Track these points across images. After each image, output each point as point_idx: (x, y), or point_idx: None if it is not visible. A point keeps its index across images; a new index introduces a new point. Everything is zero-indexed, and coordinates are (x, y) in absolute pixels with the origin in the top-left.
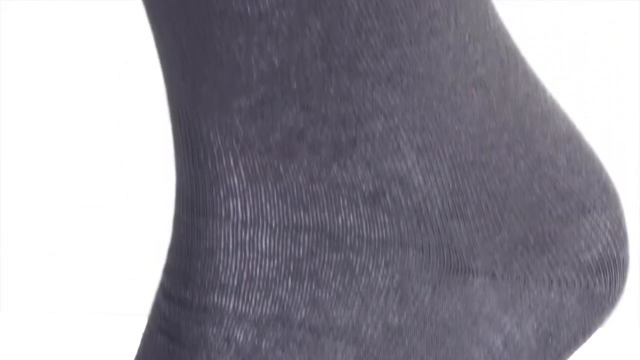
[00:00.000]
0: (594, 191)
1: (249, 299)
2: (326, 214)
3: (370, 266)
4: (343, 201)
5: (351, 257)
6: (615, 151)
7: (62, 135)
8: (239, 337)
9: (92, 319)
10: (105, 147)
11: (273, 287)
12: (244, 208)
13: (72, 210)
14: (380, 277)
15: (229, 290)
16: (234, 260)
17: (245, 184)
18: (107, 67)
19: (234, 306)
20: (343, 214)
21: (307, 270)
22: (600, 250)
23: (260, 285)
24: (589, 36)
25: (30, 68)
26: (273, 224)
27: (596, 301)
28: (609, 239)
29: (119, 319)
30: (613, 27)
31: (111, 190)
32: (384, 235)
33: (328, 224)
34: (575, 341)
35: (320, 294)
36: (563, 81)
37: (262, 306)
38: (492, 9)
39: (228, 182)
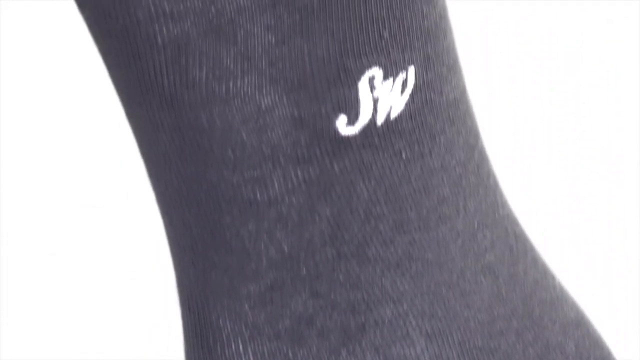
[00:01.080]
0: None
1: None
2: None
3: None
4: None
5: None
6: (614, 151)
7: (62, 135)
8: None
9: (92, 319)
10: (105, 147)
11: None
12: None
13: (72, 210)
14: None
15: None
16: None
17: None
18: None
19: None
20: None
21: None
22: None
23: None
24: (585, 36)
25: (30, 68)
26: None
27: None
28: None
29: (118, 319)
30: (611, 27)
31: (111, 190)
32: None
33: None
34: None
35: None
36: (560, 81)
37: None
38: (501, 196)
39: None
